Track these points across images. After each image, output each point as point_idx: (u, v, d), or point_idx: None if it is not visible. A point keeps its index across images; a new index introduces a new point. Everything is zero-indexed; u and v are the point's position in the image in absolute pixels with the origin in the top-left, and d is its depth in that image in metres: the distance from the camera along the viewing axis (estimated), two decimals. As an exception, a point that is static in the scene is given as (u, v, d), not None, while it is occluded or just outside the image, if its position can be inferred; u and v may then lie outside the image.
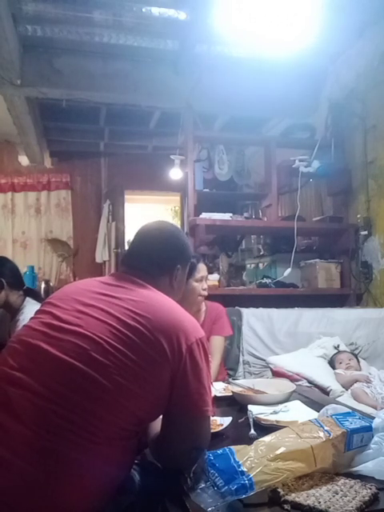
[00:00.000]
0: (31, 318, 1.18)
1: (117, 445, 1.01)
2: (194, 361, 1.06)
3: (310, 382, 2.44)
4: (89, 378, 0.99)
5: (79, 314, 1.09)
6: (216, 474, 0.91)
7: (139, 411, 1.03)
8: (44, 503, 0.92)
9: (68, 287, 1.27)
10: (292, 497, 0.90)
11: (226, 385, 1.88)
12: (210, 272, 4.29)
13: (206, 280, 2.29)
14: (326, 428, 1.04)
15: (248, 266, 4.29)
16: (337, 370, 2.60)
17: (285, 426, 1.10)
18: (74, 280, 5.90)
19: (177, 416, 1.07)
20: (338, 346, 2.78)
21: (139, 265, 1.26)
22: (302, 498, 0.90)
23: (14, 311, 2.24)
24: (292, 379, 2.31)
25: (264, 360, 2.67)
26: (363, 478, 0.98)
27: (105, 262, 6.26)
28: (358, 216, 3.55)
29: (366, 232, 3.48)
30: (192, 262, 2.18)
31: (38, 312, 1.19)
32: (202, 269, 2.24)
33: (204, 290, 2.23)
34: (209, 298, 2.36)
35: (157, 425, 1.12)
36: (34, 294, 2.35)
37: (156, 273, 1.25)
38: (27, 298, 2.27)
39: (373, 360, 2.86)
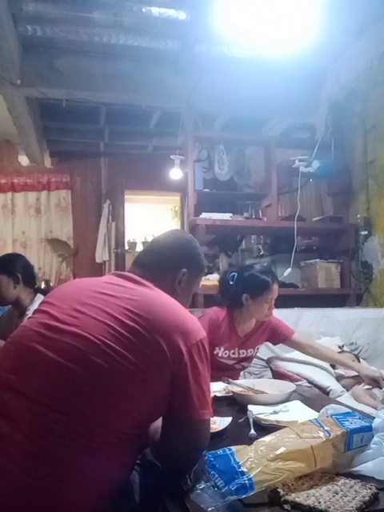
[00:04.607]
0: (28, 318, 1.16)
1: (116, 449, 0.98)
2: (193, 363, 1.04)
3: (309, 382, 2.44)
4: (85, 381, 0.97)
5: (76, 313, 1.06)
6: (216, 475, 0.91)
7: (138, 414, 1.01)
8: (43, 509, 0.91)
9: (66, 286, 1.25)
10: (292, 497, 0.90)
11: (226, 385, 1.88)
12: (210, 272, 4.30)
13: (274, 301, 2.24)
14: (325, 428, 1.03)
15: (248, 266, 4.28)
16: (337, 370, 2.59)
17: (285, 426, 1.09)
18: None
19: (176, 418, 1.05)
20: (343, 347, 2.78)
21: (145, 261, 1.25)
22: (302, 498, 0.90)
23: (22, 309, 2.24)
24: (292, 379, 2.30)
25: (264, 360, 2.67)
26: (363, 478, 0.98)
27: (105, 261, 6.25)
28: (358, 216, 3.55)
29: (366, 232, 3.48)
30: (267, 280, 2.16)
31: (35, 311, 1.16)
32: (275, 290, 2.20)
33: (269, 309, 2.21)
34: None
35: (157, 424, 1.10)
36: (44, 293, 2.34)
37: (159, 271, 1.22)
38: (38, 294, 2.28)
39: (373, 360, 2.85)
